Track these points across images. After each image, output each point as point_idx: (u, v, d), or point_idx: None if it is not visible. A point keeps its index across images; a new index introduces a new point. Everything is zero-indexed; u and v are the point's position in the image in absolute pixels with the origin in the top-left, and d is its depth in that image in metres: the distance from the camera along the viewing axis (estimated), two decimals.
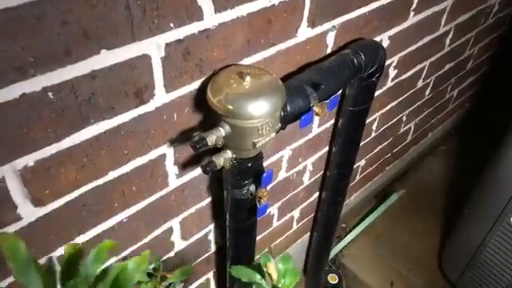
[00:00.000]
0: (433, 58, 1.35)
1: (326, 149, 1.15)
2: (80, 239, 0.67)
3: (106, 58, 0.54)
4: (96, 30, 0.51)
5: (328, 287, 1.51)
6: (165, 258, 0.88)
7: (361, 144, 1.11)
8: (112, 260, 0.76)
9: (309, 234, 1.43)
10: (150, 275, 0.73)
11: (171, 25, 0.58)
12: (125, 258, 0.78)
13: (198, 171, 0.80)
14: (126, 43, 0.55)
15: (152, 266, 0.75)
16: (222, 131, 0.64)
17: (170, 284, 0.76)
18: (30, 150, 0.53)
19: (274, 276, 0.53)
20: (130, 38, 0.55)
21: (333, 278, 1.53)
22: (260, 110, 0.63)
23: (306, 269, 1.51)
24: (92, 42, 0.51)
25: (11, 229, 0.57)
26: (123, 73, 0.57)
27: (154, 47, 0.58)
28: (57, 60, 0.49)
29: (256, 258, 0.99)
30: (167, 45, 0.59)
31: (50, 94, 0.51)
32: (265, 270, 0.54)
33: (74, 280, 0.32)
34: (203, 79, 0.68)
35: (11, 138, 0.51)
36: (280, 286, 0.54)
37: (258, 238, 0.95)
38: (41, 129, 0.53)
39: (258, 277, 0.54)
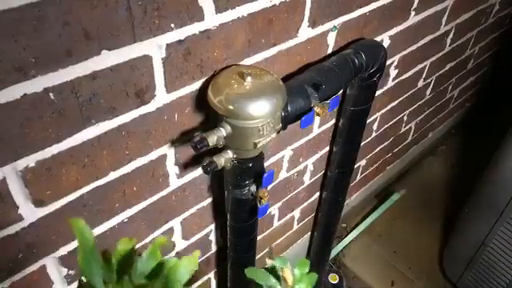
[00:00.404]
0: (433, 58, 1.35)
1: (327, 149, 1.15)
2: None
3: (106, 59, 0.54)
4: (97, 30, 0.51)
5: (329, 287, 1.52)
6: (166, 258, 0.87)
7: (361, 144, 1.10)
8: None
9: (309, 233, 1.43)
10: None
11: (172, 25, 0.58)
12: None
13: (198, 171, 0.80)
14: (126, 44, 0.55)
15: None
16: (223, 131, 0.64)
17: None
18: (32, 151, 0.53)
19: (290, 281, 0.53)
20: (131, 39, 0.55)
21: (333, 278, 1.52)
22: (261, 110, 0.63)
23: None
24: (93, 42, 0.51)
25: (13, 229, 0.57)
26: (124, 73, 0.57)
27: (154, 48, 0.58)
28: (58, 60, 0.50)
29: (257, 257, 0.99)
30: (168, 45, 0.59)
31: (51, 94, 0.51)
32: (280, 274, 0.53)
33: (132, 276, 0.33)
34: (204, 79, 0.68)
35: (12, 139, 0.51)
36: None
37: (258, 237, 0.96)
38: (42, 129, 0.53)
39: (273, 280, 0.53)
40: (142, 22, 0.54)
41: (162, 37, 0.58)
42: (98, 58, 0.53)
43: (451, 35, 1.35)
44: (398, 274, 1.50)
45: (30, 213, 0.58)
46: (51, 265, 0.65)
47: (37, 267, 0.64)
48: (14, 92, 0.48)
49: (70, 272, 0.69)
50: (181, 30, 0.59)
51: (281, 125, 0.70)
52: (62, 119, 0.54)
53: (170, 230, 0.84)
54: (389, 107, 1.32)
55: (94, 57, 0.52)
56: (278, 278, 0.54)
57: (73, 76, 0.52)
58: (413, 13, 1.07)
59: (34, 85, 0.49)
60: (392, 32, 1.04)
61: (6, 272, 0.61)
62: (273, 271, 0.54)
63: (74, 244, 0.67)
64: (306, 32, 0.80)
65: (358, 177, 1.50)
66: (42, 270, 0.65)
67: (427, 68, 1.36)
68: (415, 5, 1.05)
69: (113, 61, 0.55)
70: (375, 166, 1.56)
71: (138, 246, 0.78)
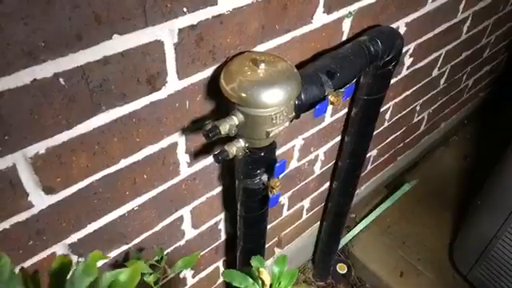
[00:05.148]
0: (449, 46, 1.32)
1: (339, 138, 1.13)
2: (91, 227, 0.67)
3: (118, 44, 0.52)
4: (108, 14, 0.49)
5: (337, 277, 1.51)
6: (175, 246, 0.87)
7: (373, 133, 1.08)
8: (124, 248, 0.75)
9: (318, 223, 1.42)
10: (152, 267, 0.73)
11: (184, 9, 0.56)
12: (136, 246, 0.77)
13: (209, 160, 0.79)
14: (138, 28, 0.53)
15: (156, 258, 0.75)
16: (235, 120, 0.63)
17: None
18: (41, 137, 0.52)
19: (267, 281, 0.52)
20: (143, 23, 0.53)
21: (342, 268, 1.52)
22: (274, 98, 0.61)
23: (315, 258, 1.50)
24: (104, 26, 0.50)
25: (23, 216, 0.57)
26: (135, 59, 0.55)
27: (166, 33, 0.56)
28: (68, 45, 0.48)
29: (266, 246, 0.98)
30: (180, 30, 0.58)
31: (61, 79, 0.50)
32: (257, 274, 0.53)
33: None
34: (216, 66, 0.66)
35: (22, 125, 0.50)
36: None
37: (268, 227, 0.95)
38: (52, 115, 0.52)
39: (251, 281, 0.53)
40: (154, 5, 0.53)
41: (174, 21, 0.56)
42: (108, 43, 0.51)
43: (468, 23, 1.31)
44: (408, 265, 1.49)
45: (39, 200, 0.57)
46: (61, 252, 0.65)
47: (47, 254, 0.63)
48: (24, 77, 0.47)
49: (80, 260, 0.69)
50: (193, 14, 0.58)
51: (294, 113, 0.68)
52: (72, 105, 0.53)
53: (180, 219, 0.83)
54: (402, 96, 1.29)
55: (105, 41, 0.51)
56: (256, 279, 0.53)
57: (83, 61, 0.51)
58: None
59: (44, 70, 0.48)
60: (408, 19, 1.01)
61: (17, 259, 0.60)
62: (251, 272, 0.54)
63: (84, 231, 0.66)
64: (320, 18, 0.77)
65: (369, 167, 1.48)
66: (52, 257, 0.64)
67: (442, 57, 1.33)
68: None
69: (124, 46, 0.53)
70: (386, 156, 1.54)
71: (148, 233, 0.78)
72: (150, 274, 0.73)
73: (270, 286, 0.53)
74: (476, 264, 1.37)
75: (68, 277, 0.32)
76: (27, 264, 0.62)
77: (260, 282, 0.53)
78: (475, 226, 1.36)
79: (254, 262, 0.55)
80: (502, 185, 1.23)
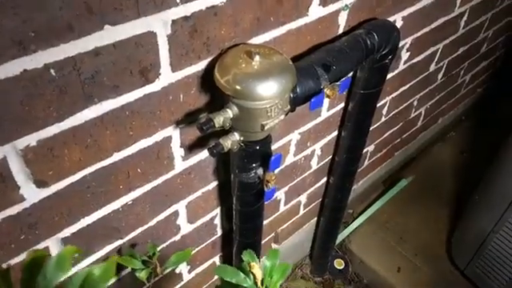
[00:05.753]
0: (447, 41, 1.31)
1: (335, 133, 1.13)
2: (85, 221, 0.66)
3: (109, 35, 0.52)
4: (100, 4, 0.49)
5: (334, 272, 1.51)
6: (170, 241, 0.87)
7: (370, 129, 1.08)
8: (118, 243, 0.75)
9: (316, 219, 1.42)
10: (144, 262, 0.73)
11: (177, 0, 0.56)
12: (130, 241, 0.77)
13: (204, 154, 0.78)
14: (130, 19, 0.52)
15: (148, 254, 0.74)
16: (230, 113, 0.62)
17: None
18: (32, 130, 0.52)
19: (258, 275, 0.52)
20: (135, 14, 0.52)
21: (339, 263, 1.52)
22: (269, 90, 0.61)
23: (312, 254, 1.50)
24: (95, 16, 0.49)
25: (14, 210, 0.56)
26: (128, 50, 0.55)
27: (159, 24, 0.56)
28: (59, 35, 0.47)
29: (262, 242, 0.98)
30: (173, 22, 0.57)
31: (51, 70, 0.49)
32: (248, 269, 0.53)
33: None
34: (210, 58, 0.66)
35: (12, 117, 0.49)
36: (268, 284, 0.52)
37: (264, 222, 0.94)
38: (43, 107, 0.51)
39: (242, 276, 0.53)
40: None
41: (167, 12, 0.55)
42: (100, 34, 0.51)
43: (465, 17, 1.31)
44: (405, 261, 1.49)
45: (31, 193, 0.56)
46: (54, 246, 0.64)
47: (40, 249, 0.63)
48: (14, 67, 0.46)
49: (75, 254, 0.68)
50: (187, 5, 0.57)
51: (289, 106, 0.67)
52: (63, 97, 0.52)
53: (175, 214, 0.83)
54: (399, 91, 1.29)
55: (97, 32, 0.50)
56: (248, 273, 0.53)
57: (74, 52, 0.50)
58: None
59: (34, 60, 0.47)
60: (405, 13, 1.00)
61: (8, 253, 0.60)
62: (242, 267, 0.53)
63: (78, 225, 0.66)
64: (316, 11, 0.77)
65: (366, 162, 1.47)
66: (45, 251, 0.64)
67: (439, 51, 1.32)
68: None
69: (116, 37, 0.52)
70: (383, 151, 1.53)
71: (142, 228, 0.77)
72: (142, 269, 0.73)
73: (262, 280, 0.52)
74: (473, 259, 1.37)
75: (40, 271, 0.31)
76: (19, 259, 0.61)
77: (252, 276, 0.53)
78: (472, 221, 1.36)
79: (245, 256, 0.54)
80: (499, 180, 1.23)
